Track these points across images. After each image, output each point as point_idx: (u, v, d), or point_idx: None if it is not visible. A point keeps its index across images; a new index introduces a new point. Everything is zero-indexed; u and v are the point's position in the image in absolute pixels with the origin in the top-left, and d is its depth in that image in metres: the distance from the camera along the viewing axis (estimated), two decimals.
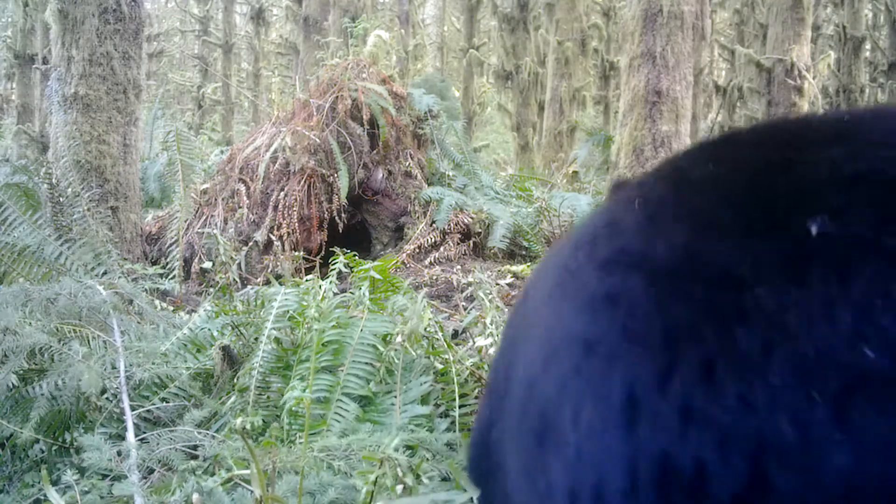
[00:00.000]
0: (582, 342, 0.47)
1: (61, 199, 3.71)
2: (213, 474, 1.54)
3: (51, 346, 1.96)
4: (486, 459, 0.66)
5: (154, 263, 4.26)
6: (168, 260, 4.21)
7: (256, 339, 2.05)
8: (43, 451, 1.87)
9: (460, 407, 1.84)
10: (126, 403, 1.87)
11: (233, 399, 1.89)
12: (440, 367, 1.96)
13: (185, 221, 4.38)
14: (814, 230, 0.46)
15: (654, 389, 0.42)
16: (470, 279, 4.15)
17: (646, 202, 0.56)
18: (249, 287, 2.79)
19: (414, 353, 1.86)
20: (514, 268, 4.55)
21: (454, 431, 1.77)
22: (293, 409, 1.71)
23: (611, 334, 0.47)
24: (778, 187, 0.50)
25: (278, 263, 4.34)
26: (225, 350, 2.04)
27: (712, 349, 0.44)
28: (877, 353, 0.40)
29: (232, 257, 3.58)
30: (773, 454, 0.40)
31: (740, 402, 0.40)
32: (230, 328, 2.15)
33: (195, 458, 1.67)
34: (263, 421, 1.74)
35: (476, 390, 1.92)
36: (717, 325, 0.44)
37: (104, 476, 1.61)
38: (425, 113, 5.48)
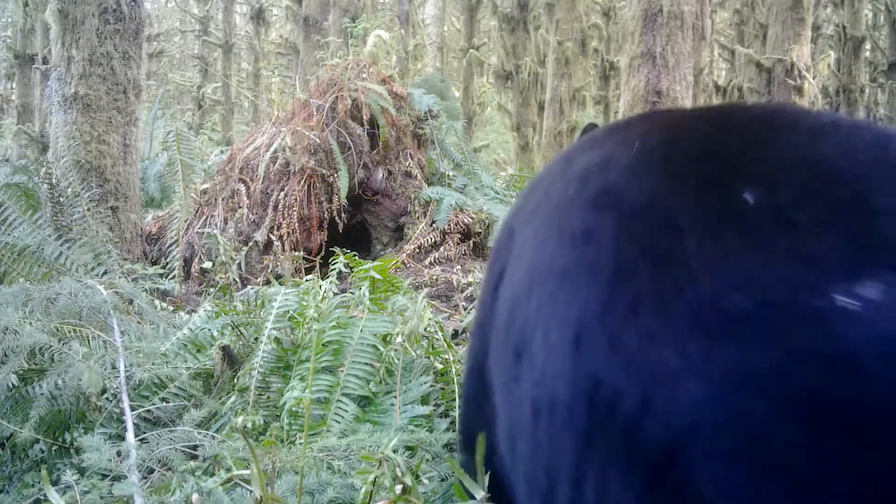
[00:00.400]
0: (559, 273, 0.55)
1: (61, 199, 3.71)
2: (212, 474, 1.54)
3: (51, 346, 1.96)
4: (481, 382, 0.74)
5: (154, 263, 4.26)
6: (168, 260, 4.21)
7: (256, 339, 2.05)
8: (43, 451, 1.87)
9: (460, 407, 1.84)
10: (126, 403, 1.87)
11: (233, 399, 1.89)
12: (440, 367, 1.96)
13: (185, 221, 4.38)
14: (748, 198, 0.54)
15: (597, 319, 0.49)
16: (470, 279, 4.15)
17: (642, 147, 0.64)
18: (249, 287, 2.79)
19: (414, 354, 1.86)
20: None
21: (454, 431, 1.77)
22: (293, 409, 1.71)
23: (580, 268, 0.57)
24: (737, 158, 0.59)
25: (278, 263, 4.34)
26: (225, 350, 2.04)
27: (642, 287, 0.52)
28: (744, 297, 0.48)
29: (232, 257, 3.58)
30: (658, 381, 0.47)
31: (648, 336, 0.47)
32: (230, 328, 2.15)
33: (195, 458, 1.67)
34: (264, 421, 1.74)
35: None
36: (651, 266, 0.53)
37: (104, 476, 1.61)
38: (425, 113, 5.48)
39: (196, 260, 4.57)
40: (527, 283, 0.71)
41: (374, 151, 5.11)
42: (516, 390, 0.70)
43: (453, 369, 1.91)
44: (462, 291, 4.00)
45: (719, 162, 0.58)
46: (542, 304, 0.66)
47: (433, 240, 4.88)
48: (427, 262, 4.73)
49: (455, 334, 2.50)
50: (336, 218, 4.80)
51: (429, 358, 1.95)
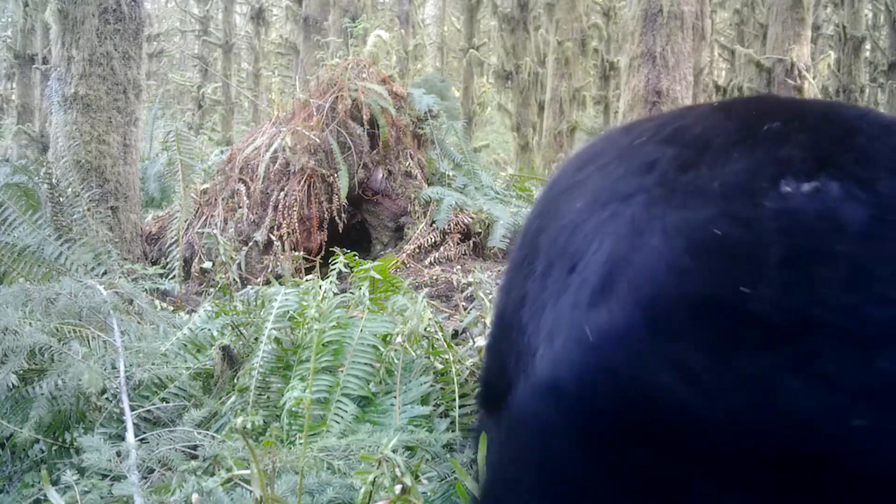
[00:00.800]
0: (622, 195, 0.65)
1: (61, 199, 3.71)
2: (212, 474, 1.54)
3: (51, 346, 1.96)
4: (505, 321, 0.86)
5: (154, 263, 4.25)
6: (168, 260, 4.21)
7: (256, 339, 2.05)
8: (43, 451, 1.87)
9: (460, 407, 1.84)
10: (126, 404, 1.87)
11: (233, 399, 1.89)
12: (440, 367, 1.96)
13: (185, 221, 4.38)
14: (770, 127, 0.76)
15: (633, 237, 0.62)
16: (470, 279, 4.15)
17: (712, 113, 0.81)
18: (250, 287, 2.79)
19: (414, 354, 1.86)
20: None
21: (454, 431, 1.77)
22: (293, 409, 1.71)
23: (638, 192, 0.68)
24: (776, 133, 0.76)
25: (278, 263, 4.34)
26: (225, 350, 2.04)
27: (669, 215, 0.59)
28: (724, 228, 0.65)
29: (232, 257, 3.58)
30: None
31: (657, 254, 0.60)
32: (230, 328, 2.15)
33: (195, 458, 1.67)
34: (264, 421, 1.74)
35: (476, 390, 1.92)
36: (677, 196, 0.64)
37: (104, 476, 1.61)
38: (425, 113, 5.47)
39: (196, 260, 4.57)
40: (588, 208, 0.86)
41: (374, 151, 5.11)
42: (567, 300, 0.84)
43: (453, 369, 1.91)
44: (462, 291, 4.00)
45: (756, 132, 0.80)
46: (602, 221, 0.80)
47: (433, 240, 4.88)
48: (427, 262, 4.73)
49: (455, 334, 2.50)
50: (336, 218, 4.80)
51: (429, 358, 1.95)
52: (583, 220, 0.84)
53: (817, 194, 0.75)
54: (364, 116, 4.98)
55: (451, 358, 1.92)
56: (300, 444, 1.57)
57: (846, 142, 0.83)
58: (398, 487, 1.17)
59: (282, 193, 4.72)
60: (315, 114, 4.92)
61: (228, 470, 1.40)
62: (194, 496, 1.33)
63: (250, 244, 4.26)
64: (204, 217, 4.81)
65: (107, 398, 1.94)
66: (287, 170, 4.80)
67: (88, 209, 3.71)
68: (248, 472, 1.36)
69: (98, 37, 4.00)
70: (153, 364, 2.03)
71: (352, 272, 2.13)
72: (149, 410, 1.93)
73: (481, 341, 2.13)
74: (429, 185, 5.31)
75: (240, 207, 4.72)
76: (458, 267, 4.62)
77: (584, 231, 0.82)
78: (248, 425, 1.22)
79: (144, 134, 8.22)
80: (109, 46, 4.03)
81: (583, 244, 0.81)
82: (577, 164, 1.02)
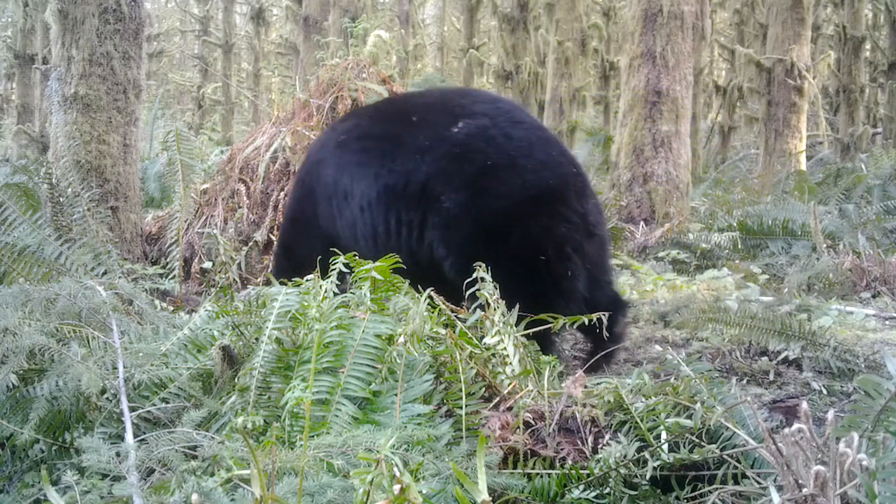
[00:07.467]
0: (357, 163, 3.07)
1: (61, 199, 3.71)
2: (212, 474, 1.54)
3: (50, 347, 1.96)
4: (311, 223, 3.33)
5: (154, 263, 4.26)
6: (168, 260, 4.21)
7: (257, 339, 2.05)
8: (43, 452, 1.87)
9: (466, 406, 1.84)
10: (125, 404, 1.87)
11: (233, 399, 1.89)
12: (448, 363, 1.96)
13: (185, 221, 4.38)
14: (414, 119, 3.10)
15: (383, 167, 2.95)
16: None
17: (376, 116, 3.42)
18: (250, 287, 2.79)
19: (416, 354, 1.86)
20: None
21: (455, 430, 1.77)
22: (293, 409, 1.71)
23: (368, 159, 3.05)
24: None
25: None
26: (225, 350, 2.04)
27: (385, 158, 2.99)
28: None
29: (232, 257, 3.58)
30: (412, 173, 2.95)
31: (396, 168, 2.97)
32: (230, 328, 2.15)
33: (195, 458, 1.67)
34: (264, 421, 1.74)
35: (482, 389, 1.92)
36: (382, 151, 3.03)
37: (104, 476, 1.61)
38: None
39: (196, 260, 4.57)
40: (342, 175, 3.12)
41: None
42: (348, 207, 3.09)
43: (460, 367, 1.90)
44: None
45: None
46: (353, 176, 3.06)
47: None
48: None
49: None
50: None
51: (434, 358, 1.95)
52: (340, 176, 3.13)
53: (465, 126, 2.84)
54: None
55: (459, 356, 1.92)
56: (301, 444, 1.57)
57: (468, 105, 2.95)
58: (397, 487, 1.17)
59: (282, 193, 4.72)
60: (315, 114, 4.92)
61: (228, 470, 1.40)
62: (194, 496, 1.33)
63: (250, 244, 4.26)
64: (204, 217, 4.81)
65: (106, 398, 1.93)
66: (287, 170, 4.80)
67: (88, 209, 3.70)
68: (248, 472, 1.36)
69: (98, 37, 4.00)
70: (153, 364, 2.03)
71: (352, 272, 2.13)
72: (148, 411, 1.93)
73: (487, 340, 2.12)
74: None
75: (240, 207, 4.71)
76: None
77: (344, 181, 3.10)
78: (249, 425, 1.22)
79: (144, 134, 8.22)
80: (109, 46, 4.03)
81: (347, 186, 3.07)
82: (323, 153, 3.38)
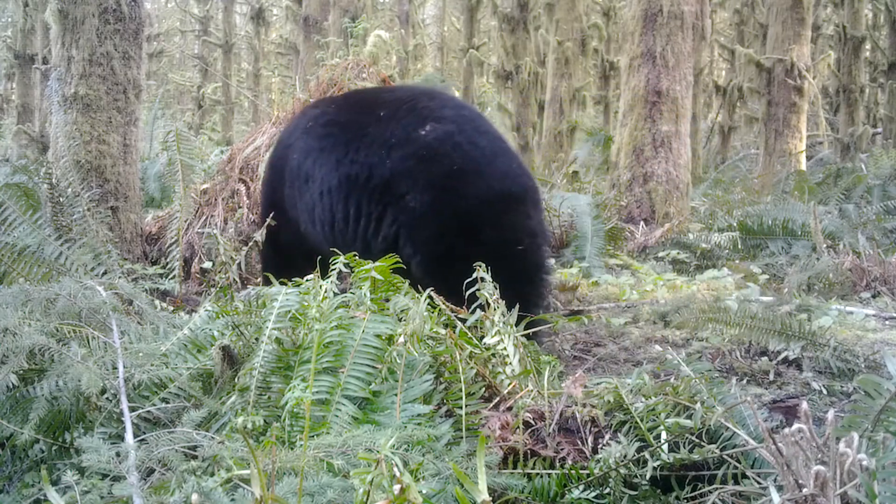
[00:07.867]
0: (319, 149, 3.17)
1: (61, 199, 3.71)
2: (212, 474, 1.54)
3: (50, 347, 1.96)
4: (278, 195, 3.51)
5: (154, 263, 4.25)
6: (168, 260, 4.21)
7: (257, 339, 2.05)
8: (43, 452, 1.87)
9: (465, 406, 1.84)
10: (125, 404, 1.87)
11: (233, 399, 1.89)
12: (442, 365, 1.96)
13: (185, 221, 4.38)
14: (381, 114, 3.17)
15: (346, 156, 3.06)
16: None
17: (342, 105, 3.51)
18: (250, 287, 2.79)
19: (416, 354, 1.86)
20: None
21: (455, 430, 1.77)
22: (293, 409, 1.71)
23: (329, 145, 3.14)
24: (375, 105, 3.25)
25: None
26: (225, 350, 2.04)
27: (347, 146, 3.10)
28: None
29: (232, 257, 3.58)
30: (374, 165, 3.06)
31: (357, 159, 3.06)
32: (230, 328, 2.15)
33: (195, 458, 1.66)
34: (264, 421, 1.74)
35: (482, 389, 1.92)
36: (345, 140, 3.13)
37: (104, 476, 1.60)
38: None
39: (196, 260, 4.57)
40: (305, 158, 3.25)
41: None
42: (308, 191, 3.20)
43: (460, 367, 1.91)
44: None
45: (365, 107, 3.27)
46: (315, 160, 3.17)
47: None
48: None
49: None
50: None
51: (434, 357, 1.95)
52: (304, 162, 3.27)
53: (433, 130, 2.88)
54: None
55: (459, 356, 1.92)
56: (301, 444, 1.57)
57: (436, 109, 3.00)
58: (397, 487, 1.17)
59: None
60: None
61: (228, 470, 1.40)
62: (194, 496, 1.33)
63: (250, 244, 4.25)
64: (204, 217, 4.81)
65: (106, 398, 1.93)
66: None
67: (88, 209, 3.70)
68: (248, 472, 1.36)
69: (98, 37, 4.00)
70: (153, 364, 2.03)
71: (352, 272, 2.13)
72: (148, 411, 1.93)
73: (487, 340, 2.12)
74: None
75: (240, 207, 4.71)
76: None
77: (307, 166, 3.22)
78: (249, 425, 1.22)
79: (144, 134, 8.22)
80: (109, 46, 4.03)
81: (310, 170, 3.20)
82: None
